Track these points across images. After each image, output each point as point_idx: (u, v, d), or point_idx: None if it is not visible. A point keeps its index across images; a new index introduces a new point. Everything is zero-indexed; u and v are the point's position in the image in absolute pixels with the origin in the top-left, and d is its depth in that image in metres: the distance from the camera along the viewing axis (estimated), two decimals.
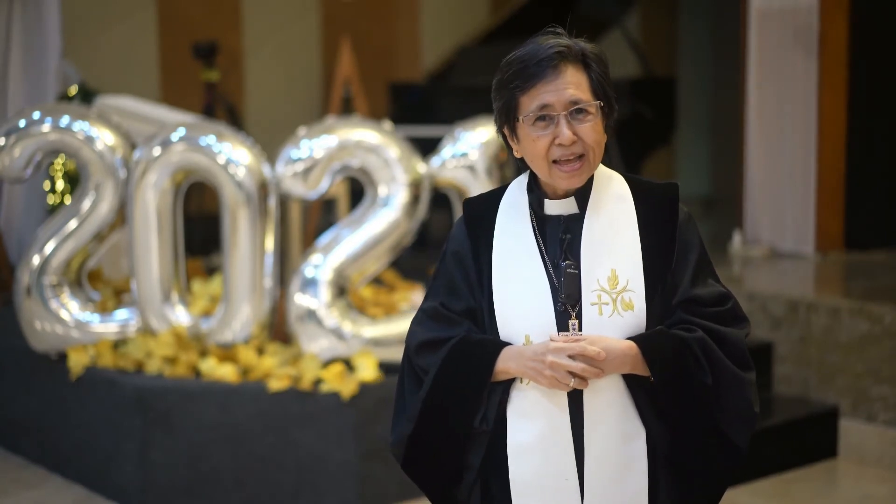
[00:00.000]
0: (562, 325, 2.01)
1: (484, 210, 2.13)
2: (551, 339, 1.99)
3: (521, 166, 2.12)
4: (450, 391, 2.04)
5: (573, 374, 1.96)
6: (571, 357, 1.95)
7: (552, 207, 2.07)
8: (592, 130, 2.00)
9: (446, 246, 2.15)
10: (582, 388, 1.97)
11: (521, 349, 2.01)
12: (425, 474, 2.13)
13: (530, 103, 1.99)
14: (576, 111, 1.99)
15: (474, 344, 2.05)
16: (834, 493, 4.56)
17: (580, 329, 2.00)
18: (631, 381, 2.01)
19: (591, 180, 2.08)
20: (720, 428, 2.01)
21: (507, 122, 2.05)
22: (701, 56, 9.90)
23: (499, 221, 2.10)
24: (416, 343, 2.10)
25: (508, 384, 2.04)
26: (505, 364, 2.01)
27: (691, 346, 1.99)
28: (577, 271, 2.01)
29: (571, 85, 1.99)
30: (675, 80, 8.02)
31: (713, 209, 9.47)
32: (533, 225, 2.08)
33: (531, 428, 2.02)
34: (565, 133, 1.97)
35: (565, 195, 2.07)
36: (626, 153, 6.97)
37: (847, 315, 4.81)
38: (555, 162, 2.00)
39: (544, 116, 1.99)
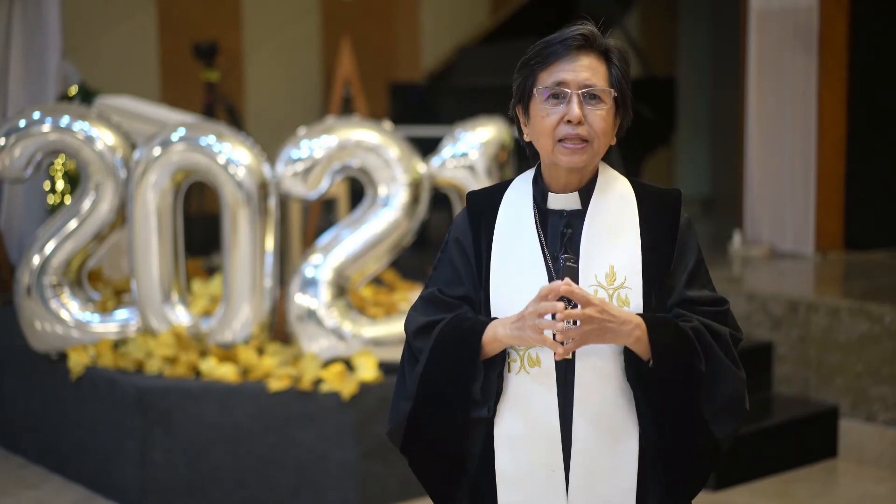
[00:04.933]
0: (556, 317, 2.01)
1: (487, 201, 2.15)
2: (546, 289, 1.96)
3: (529, 154, 2.12)
4: (444, 365, 2.05)
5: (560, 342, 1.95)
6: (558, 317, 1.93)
7: (555, 201, 2.09)
8: (602, 119, 2.02)
9: (449, 234, 2.17)
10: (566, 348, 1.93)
11: (509, 317, 2.01)
12: (424, 459, 2.12)
13: (547, 79, 2.03)
14: (589, 96, 2.01)
15: (466, 318, 2.07)
16: (833, 493, 4.56)
17: (574, 323, 2.00)
18: (628, 361, 2.00)
19: (595, 178, 2.09)
20: (704, 418, 2.01)
21: (522, 99, 2.07)
22: (701, 56, 9.90)
23: (501, 213, 2.12)
24: (414, 328, 2.12)
25: (503, 367, 2.04)
26: (493, 329, 2.02)
27: (687, 332, 2.01)
28: (575, 265, 2.03)
29: (589, 69, 2.02)
30: (675, 80, 8.02)
31: (713, 209, 9.47)
32: (535, 218, 2.09)
33: (519, 419, 2.03)
34: (574, 110, 2.00)
35: (570, 189, 2.08)
36: (625, 153, 6.98)
37: (847, 315, 4.82)
38: (560, 141, 2.02)
39: (558, 95, 2.01)
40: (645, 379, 2.00)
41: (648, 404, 2.01)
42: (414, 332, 2.11)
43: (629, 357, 2.01)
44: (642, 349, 1.99)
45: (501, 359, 2.04)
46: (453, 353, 2.04)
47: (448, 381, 2.04)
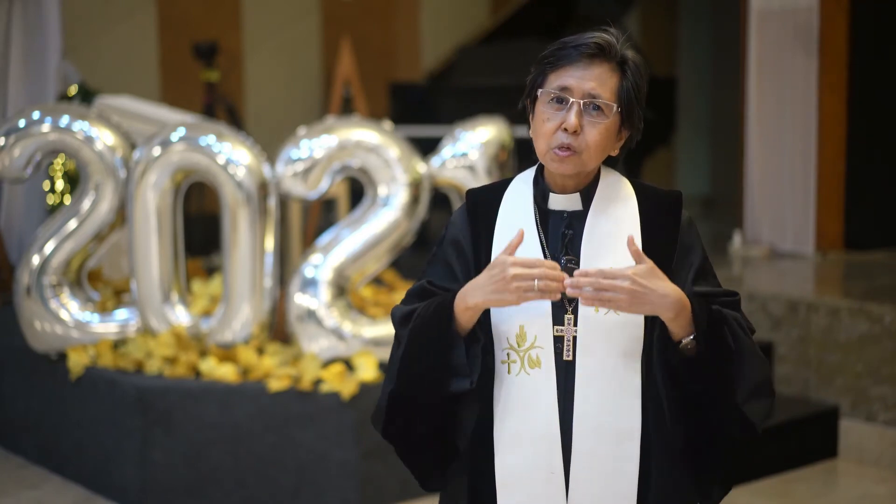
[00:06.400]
0: (557, 319, 2.01)
1: (487, 201, 2.13)
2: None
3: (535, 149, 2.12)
4: (421, 341, 2.03)
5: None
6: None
7: (556, 202, 2.08)
8: (598, 133, 2.00)
9: (445, 232, 2.15)
10: (553, 296, 1.92)
11: (475, 279, 1.99)
12: (406, 442, 2.14)
13: (554, 81, 2.01)
14: (592, 107, 2.00)
15: (442, 296, 2.05)
16: (834, 493, 4.56)
17: (575, 324, 2.01)
18: (661, 346, 1.98)
19: (596, 179, 2.09)
20: (738, 402, 1.98)
21: (531, 94, 2.07)
22: (701, 56, 9.90)
23: (501, 213, 2.10)
24: (399, 316, 2.10)
25: (487, 336, 2.02)
26: (463, 299, 1.99)
27: (715, 312, 1.97)
28: (576, 267, 2.02)
29: (597, 79, 2.00)
30: (675, 80, 8.02)
31: (713, 209, 9.48)
32: (535, 218, 2.08)
33: (518, 420, 2.02)
34: (571, 119, 1.98)
35: (570, 190, 2.07)
36: (626, 154, 6.97)
37: (847, 315, 4.82)
38: (553, 147, 2.01)
39: (561, 99, 2.00)
40: (677, 362, 1.96)
41: (684, 392, 1.97)
42: (399, 320, 2.10)
43: (661, 342, 1.97)
44: (679, 325, 1.94)
45: (482, 332, 2.02)
46: (429, 327, 2.02)
47: (426, 355, 2.03)
